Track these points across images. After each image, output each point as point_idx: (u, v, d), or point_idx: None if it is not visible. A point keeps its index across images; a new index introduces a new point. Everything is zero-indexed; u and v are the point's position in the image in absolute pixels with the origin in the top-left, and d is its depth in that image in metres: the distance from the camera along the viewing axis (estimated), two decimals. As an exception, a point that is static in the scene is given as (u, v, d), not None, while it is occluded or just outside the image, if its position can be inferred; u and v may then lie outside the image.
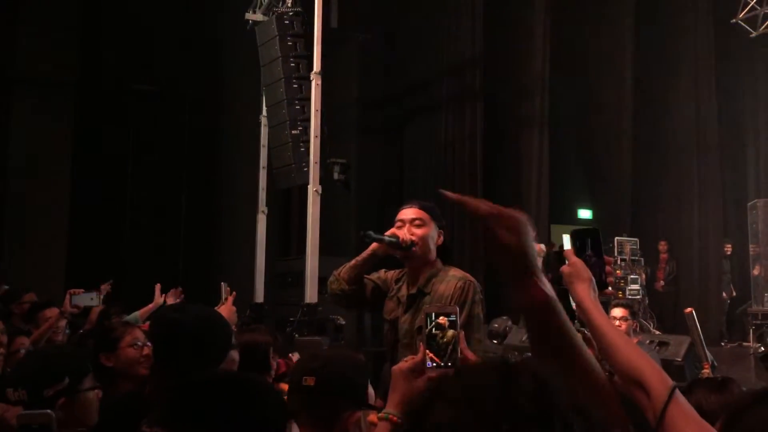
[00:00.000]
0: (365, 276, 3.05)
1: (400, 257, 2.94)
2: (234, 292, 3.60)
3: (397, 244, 2.87)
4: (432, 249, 2.91)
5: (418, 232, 2.89)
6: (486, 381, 0.81)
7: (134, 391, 2.61)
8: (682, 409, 1.07)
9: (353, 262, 3.01)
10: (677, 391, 1.08)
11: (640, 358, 1.18)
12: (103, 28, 10.80)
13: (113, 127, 11.16)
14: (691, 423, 1.04)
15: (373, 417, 1.71)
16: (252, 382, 1.35)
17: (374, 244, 2.92)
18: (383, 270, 3.09)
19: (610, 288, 1.41)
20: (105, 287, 4.59)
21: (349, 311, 7.47)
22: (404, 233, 2.88)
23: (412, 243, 2.87)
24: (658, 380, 1.12)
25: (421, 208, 2.95)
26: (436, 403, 0.81)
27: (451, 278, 2.85)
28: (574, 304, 1.34)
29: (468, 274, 2.95)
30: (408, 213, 2.93)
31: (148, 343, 3.10)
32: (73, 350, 2.44)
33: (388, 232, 2.89)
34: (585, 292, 1.33)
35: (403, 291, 2.95)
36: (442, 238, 2.95)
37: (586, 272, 1.34)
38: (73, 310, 4.14)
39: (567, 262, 1.37)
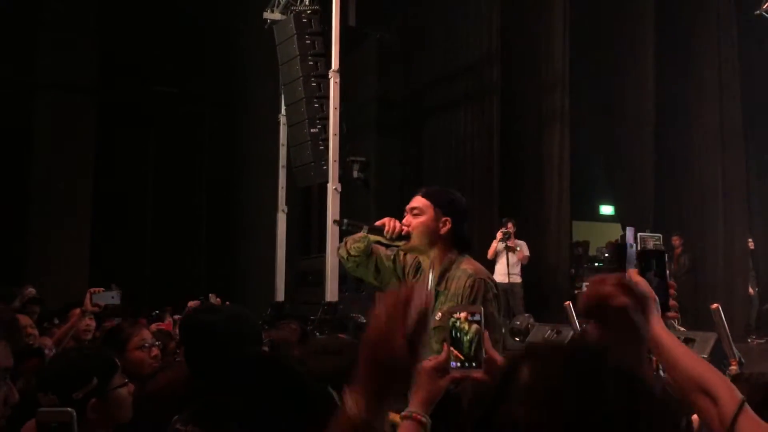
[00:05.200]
0: (382, 249, 2.89)
1: (402, 248, 2.80)
2: (227, 303, 3.61)
3: (379, 232, 2.72)
4: (431, 239, 2.71)
5: (414, 222, 2.72)
6: (565, 377, 0.81)
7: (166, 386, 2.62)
8: (753, 419, 1.11)
9: (355, 235, 2.86)
10: (746, 404, 1.12)
11: (707, 369, 1.23)
12: (122, 32, 10.88)
13: (133, 128, 11.27)
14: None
15: (395, 416, 1.69)
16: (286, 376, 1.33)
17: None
18: (403, 252, 2.88)
19: (672, 312, 1.40)
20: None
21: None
22: (395, 223, 2.72)
23: (401, 235, 2.70)
24: (727, 389, 1.16)
25: (424, 195, 2.75)
26: (513, 398, 0.81)
27: (462, 274, 2.66)
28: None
29: (481, 268, 2.75)
30: (411, 202, 2.77)
31: (157, 343, 3.11)
32: (100, 349, 2.42)
33: (378, 222, 2.76)
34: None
35: None
36: (448, 225, 2.71)
37: (650, 291, 1.34)
38: (94, 308, 4.15)
39: (631, 281, 1.37)
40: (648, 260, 1.40)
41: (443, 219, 2.71)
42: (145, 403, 2.19)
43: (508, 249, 8.91)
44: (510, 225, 9.03)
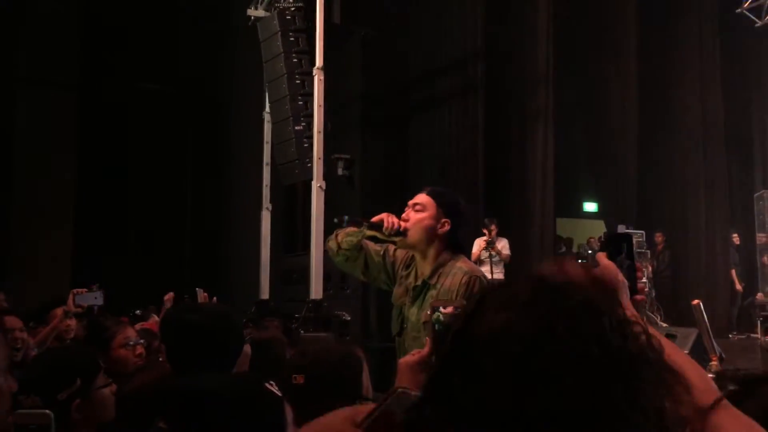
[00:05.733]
0: (371, 244, 2.90)
1: (398, 244, 2.84)
2: (215, 298, 3.59)
3: (377, 228, 2.73)
4: (428, 237, 2.75)
5: (414, 217, 2.75)
6: (536, 289, 0.86)
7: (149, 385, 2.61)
8: (732, 411, 1.09)
9: (348, 228, 2.86)
10: (724, 398, 1.11)
11: (678, 355, 1.20)
12: (105, 28, 10.80)
13: (117, 126, 11.19)
14: (744, 426, 1.05)
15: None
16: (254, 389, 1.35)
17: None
18: (394, 248, 2.92)
19: (640, 295, 1.39)
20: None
21: (353, 301, 7.47)
22: (393, 219, 2.75)
23: (398, 231, 2.73)
24: (700, 378, 1.13)
25: (429, 193, 2.80)
26: (486, 312, 0.84)
27: (457, 271, 2.72)
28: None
29: (475, 267, 2.83)
30: (416, 198, 2.81)
31: (141, 341, 3.09)
32: (82, 349, 2.41)
33: (375, 218, 2.77)
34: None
35: (411, 279, 2.82)
36: (447, 227, 2.76)
37: (619, 275, 1.34)
38: (77, 309, 4.14)
39: (599, 265, 1.36)
40: (618, 244, 1.40)
41: (443, 220, 2.76)
42: (128, 402, 2.18)
43: (492, 257, 8.99)
44: (493, 227, 9.06)
